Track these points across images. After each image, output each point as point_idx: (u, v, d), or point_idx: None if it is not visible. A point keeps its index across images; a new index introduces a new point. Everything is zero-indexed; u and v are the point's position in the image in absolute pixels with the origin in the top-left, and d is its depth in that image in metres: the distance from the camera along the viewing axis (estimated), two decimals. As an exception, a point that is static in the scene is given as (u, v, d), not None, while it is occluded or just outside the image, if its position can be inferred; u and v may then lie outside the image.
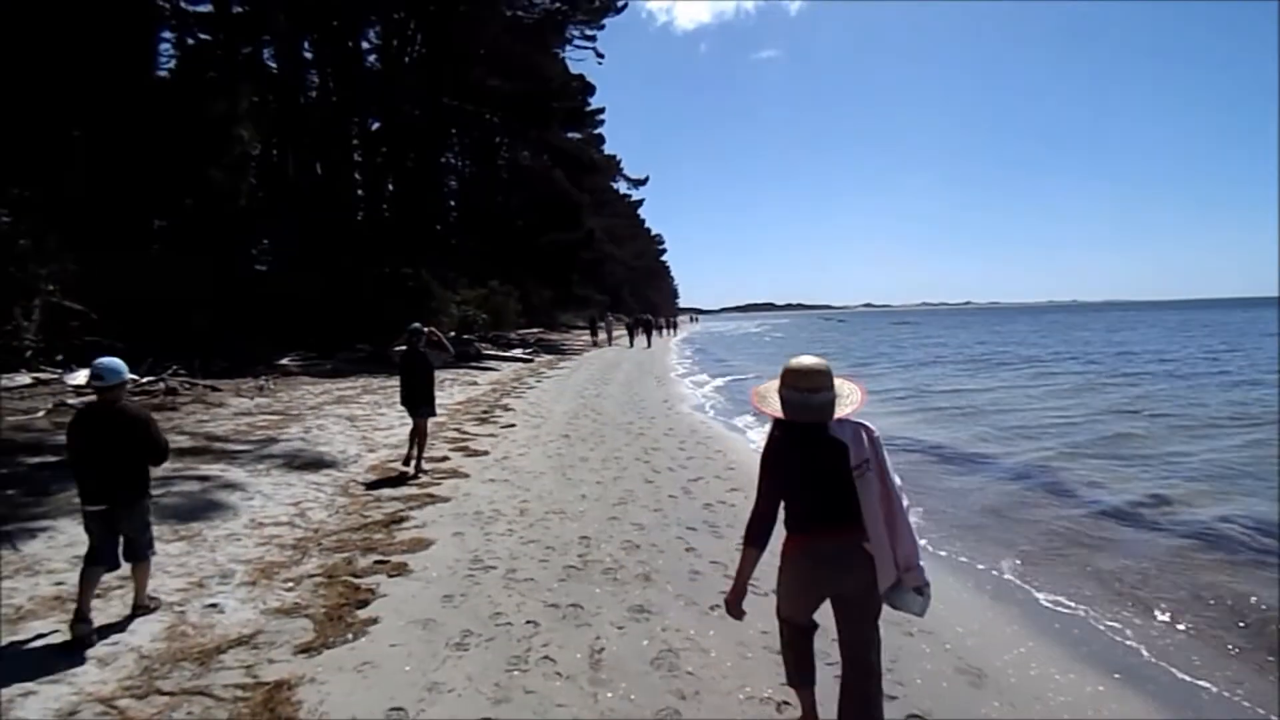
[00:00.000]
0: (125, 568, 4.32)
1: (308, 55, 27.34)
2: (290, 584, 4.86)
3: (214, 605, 4.47)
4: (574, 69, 38.37)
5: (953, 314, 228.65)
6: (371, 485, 7.80)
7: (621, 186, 63.42)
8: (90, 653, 3.80)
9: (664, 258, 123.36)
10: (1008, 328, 70.69)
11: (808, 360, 2.92)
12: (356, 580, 4.95)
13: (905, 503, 2.87)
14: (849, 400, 2.91)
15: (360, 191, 30.08)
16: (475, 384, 17.45)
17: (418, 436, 8.43)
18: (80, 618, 3.96)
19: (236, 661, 3.79)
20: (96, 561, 4.15)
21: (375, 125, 30.52)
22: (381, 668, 3.78)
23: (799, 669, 3.11)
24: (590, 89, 40.49)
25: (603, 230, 52.00)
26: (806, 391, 2.82)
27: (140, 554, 4.35)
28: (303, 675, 3.65)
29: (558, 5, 32.07)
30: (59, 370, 12.72)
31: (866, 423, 2.90)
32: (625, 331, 41.54)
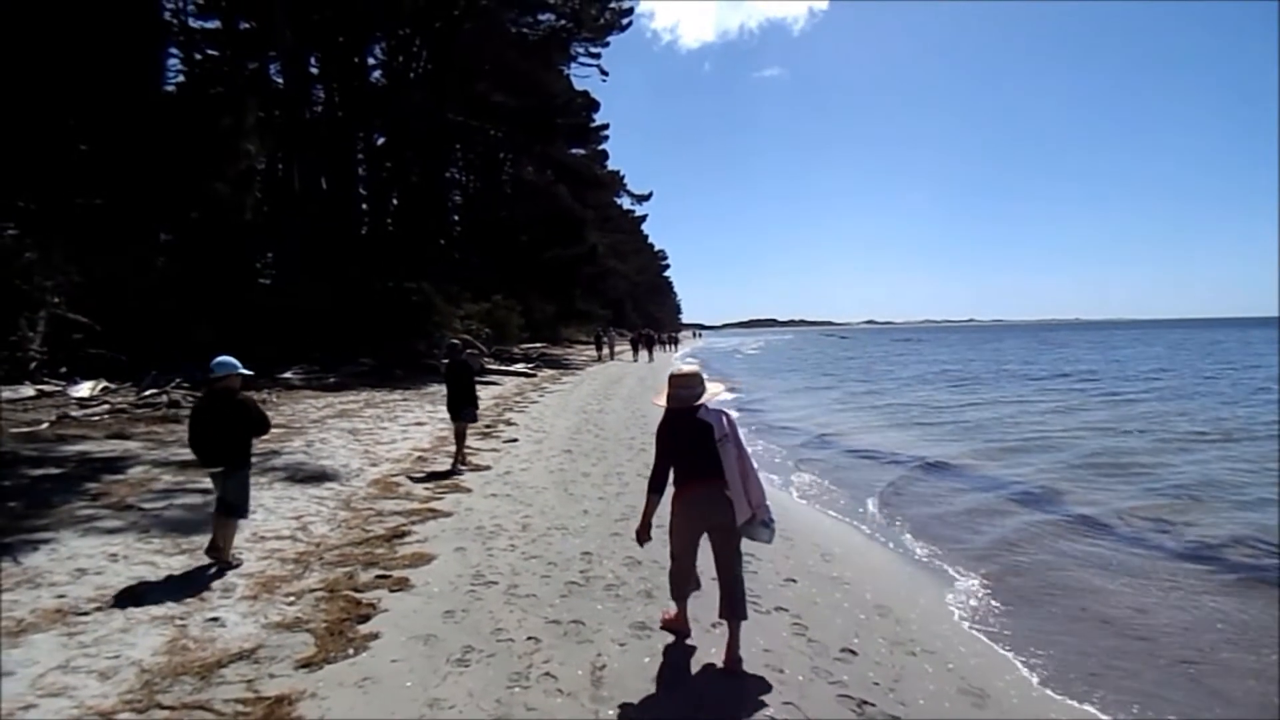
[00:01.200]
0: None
1: (313, 70, 27.54)
2: (291, 598, 4.85)
3: (215, 619, 4.45)
4: (578, 86, 38.69)
5: (954, 331, 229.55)
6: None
7: (625, 202, 63.71)
8: (90, 665, 3.79)
9: (667, 273, 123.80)
10: (996, 345, 71.51)
11: (685, 368, 4.41)
12: (358, 595, 4.93)
13: (754, 465, 4.21)
14: (711, 393, 4.30)
15: (365, 205, 30.22)
16: (478, 398, 17.45)
17: (458, 437, 9.71)
18: (214, 548, 5.30)
19: (237, 676, 3.77)
20: (222, 514, 5.40)
21: (380, 140, 30.71)
22: (382, 683, 3.76)
23: (680, 589, 4.44)
24: (594, 105, 40.80)
25: (606, 246, 52.16)
26: (683, 389, 4.25)
27: (233, 513, 5.42)
28: (303, 690, 3.64)
29: (562, 23, 32.28)
30: (63, 382, 12.75)
31: (726, 410, 4.31)
32: (629, 346, 43.00)
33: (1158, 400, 21.13)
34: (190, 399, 12.78)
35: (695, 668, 4.05)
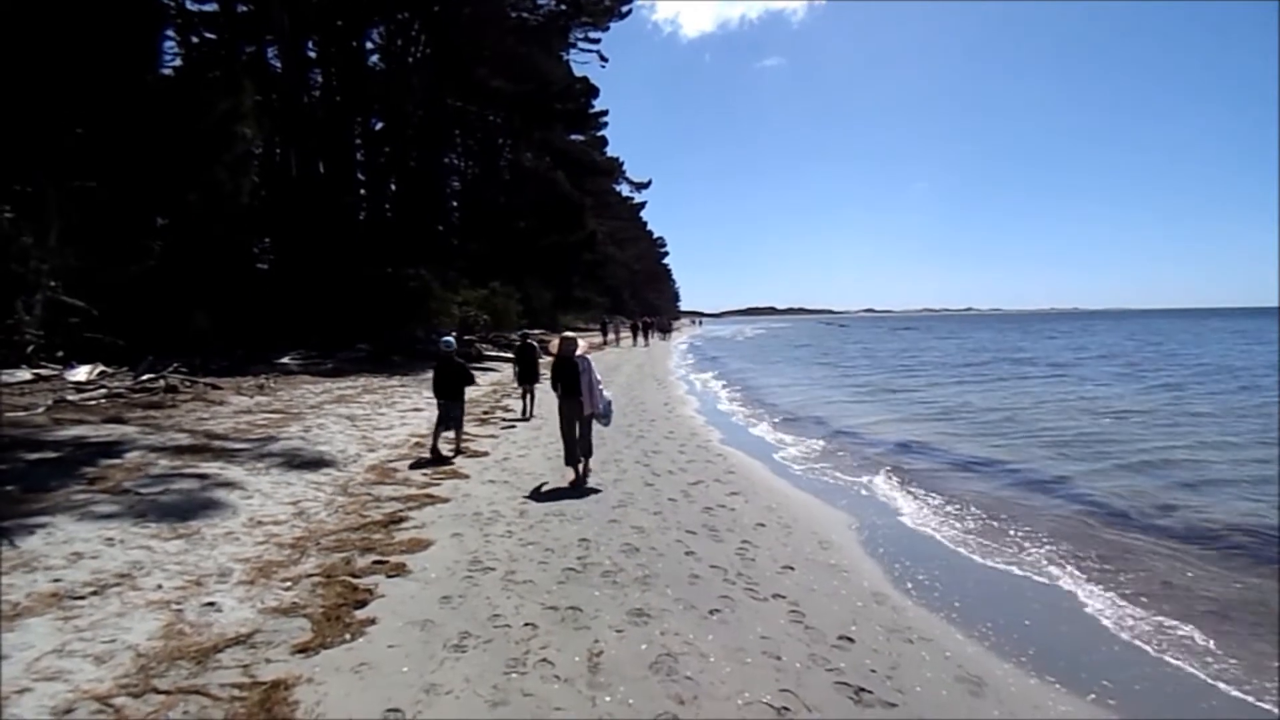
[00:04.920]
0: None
1: (311, 54, 27.33)
2: (288, 583, 4.84)
3: (212, 604, 4.45)
4: (578, 72, 38.50)
5: (953, 320, 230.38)
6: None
7: (624, 189, 63.51)
8: (86, 649, 3.78)
9: (666, 260, 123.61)
10: (972, 335, 72.54)
11: (568, 333, 8.80)
12: (355, 580, 4.93)
13: (600, 387, 8.10)
14: (581, 349, 8.19)
15: (362, 191, 30.07)
16: (475, 385, 17.40)
17: (529, 397, 13.74)
18: (434, 448, 9.22)
19: (234, 661, 3.77)
20: (442, 427, 9.37)
21: (378, 125, 30.52)
22: (379, 669, 3.76)
23: (570, 458, 8.24)
24: (594, 91, 40.59)
25: (604, 232, 52.18)
26: (567, 345, 8.25)
27: (458, 426, 9.60)
28: (300, 675, 3.64)
29: (562, 8, 32.06)
30: (59, 366, 12.71)
31: (588, 356, 8.19)
32: (630, 333, 46.02)
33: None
34: (187, 384, 12.78)
35: (691, 655, 4.05)
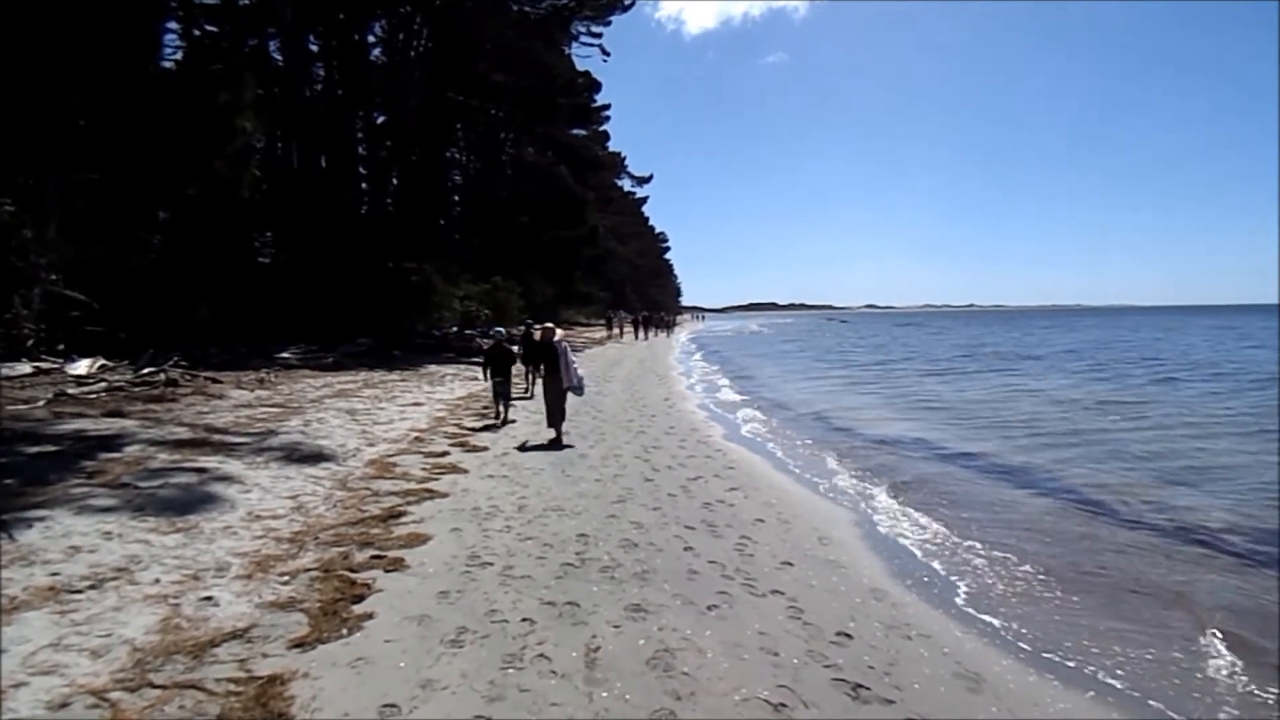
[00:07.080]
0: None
1: (313, 48, 27.26)
2: (286, 578, 4.83)
3: (209, 598, 4.44)
4: (580, 66, 38.42)
5: (951, 316, 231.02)
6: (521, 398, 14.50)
7: (626, 184, 63.42)
8: (82, 643, 3.78)
9: (668, 255, 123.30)
10: (961, 332, 73.03)
11: (547, 324, 11.17)
12: (353, 575, 4.92)
13: (575, 365, 10.41)
14: (558, 336, 10.63)
15: (364, 185, 30.00)
16: (476, 379, 17.39)
17: (532, 380, 15.18)
18: (498, 415, 11.96)
19: (230, 655, 3.76)
20: (499, 399, 11.98)
21: (380, 119, 30.45)
22: (376, 664, 3.76)
23: (551, 419, 10.39)
24: (596, 85, 40.52)
25: (606, 227, 52.10)
26: (546, 334, 10.74)
27: (507, 401, 12.08)
28: (296, 670, 3.63)
29: (564, 1, 31.92)
30: (60, 360, 12.70)
31: (564, 341, 10.65)
32: (632, 328, 47.41)
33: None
34: (188, 377, 12.79)
35: (688, 651, 4.04)
